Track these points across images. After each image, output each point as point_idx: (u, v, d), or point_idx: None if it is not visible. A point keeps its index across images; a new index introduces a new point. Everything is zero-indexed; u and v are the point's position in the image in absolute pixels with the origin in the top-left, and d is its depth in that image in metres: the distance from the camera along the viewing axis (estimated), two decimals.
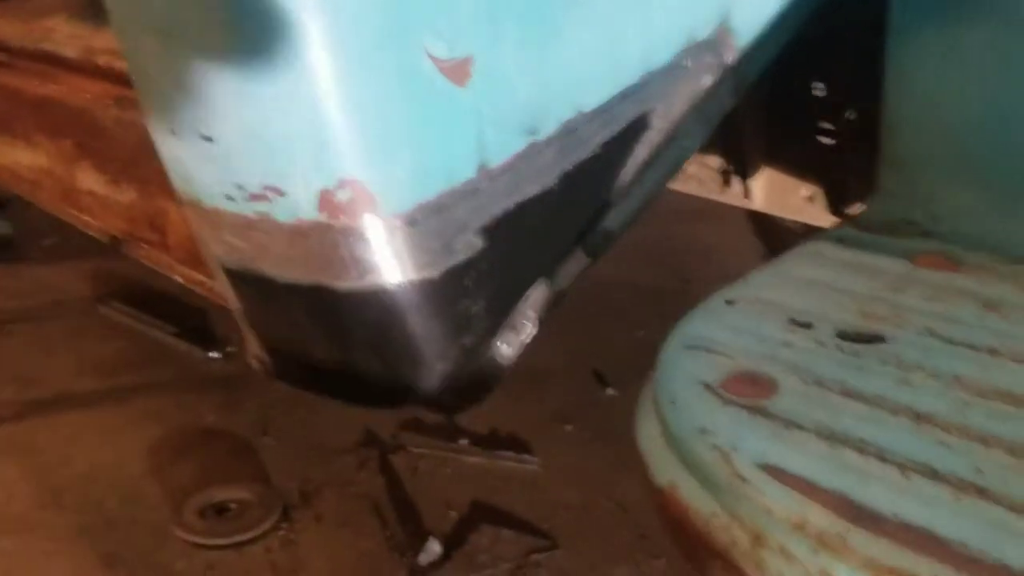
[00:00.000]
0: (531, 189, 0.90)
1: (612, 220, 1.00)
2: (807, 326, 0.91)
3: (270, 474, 2.10)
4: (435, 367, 0.87)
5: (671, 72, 0.99)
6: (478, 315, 0.89)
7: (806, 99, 1.37)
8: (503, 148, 0.86)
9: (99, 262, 3.00)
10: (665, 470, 0.80)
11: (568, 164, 0.92)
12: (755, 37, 1.06)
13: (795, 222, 1.62)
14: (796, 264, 1.04)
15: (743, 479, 0.72)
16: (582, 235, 0.98)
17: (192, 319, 2.72)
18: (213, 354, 2.56)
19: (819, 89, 1.37)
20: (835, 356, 0.86)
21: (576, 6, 0.88)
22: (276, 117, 0.75)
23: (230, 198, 0.82)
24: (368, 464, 2.13)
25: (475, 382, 0.93)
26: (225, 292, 0.93)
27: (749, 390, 0.82)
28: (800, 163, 1.45)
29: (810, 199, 1.46)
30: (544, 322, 0.96)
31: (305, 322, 0.87)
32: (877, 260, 1.03)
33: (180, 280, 1.33)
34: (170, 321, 2.70)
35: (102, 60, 1.60)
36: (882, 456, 0.72)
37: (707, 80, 1.02)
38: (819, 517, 0.67)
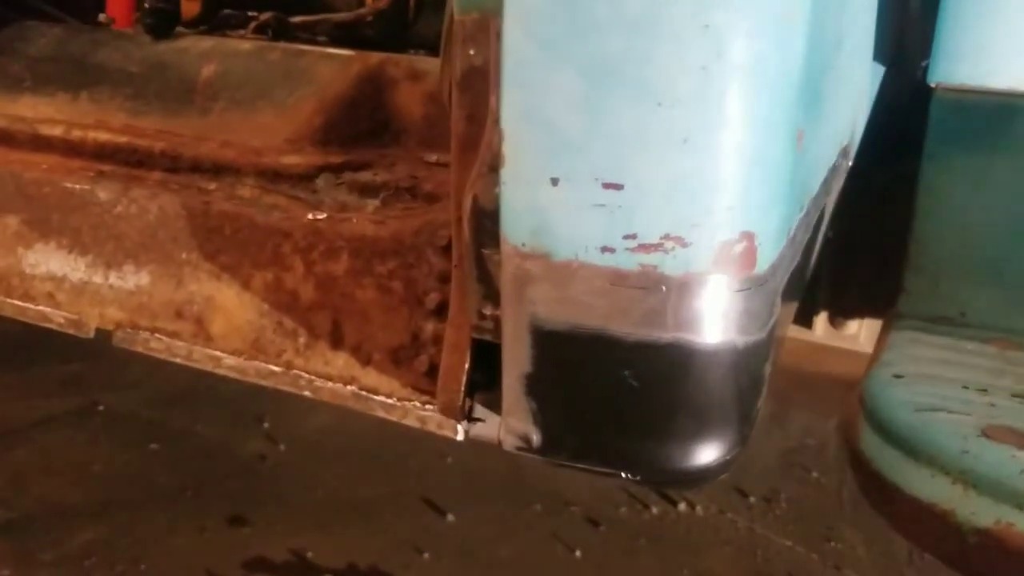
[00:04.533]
0: (795, 261, 0.95)
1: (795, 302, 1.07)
2: (985, 391, 1.04)
3: None
4: (745, 426, 0.87)
5: (834, 170, 1.10)
6: (767, 378, 0.91)
7: None
8: (792, 219, 0.91)
9: None
10: (987, 513, 0.86)
11: (803, 241, 0.99)
12: (857, 146, 1.21)
13: None
14: (910, 348, 1.17)
15: None
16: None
17: None
18: None
19: None
20: None
21: (819, 106, 0.97)
22: (709, 166, 0.74)
23: (607, 249, 0.77)
24: None
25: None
26: (513, 358, 0.85)
27: (1017, 439, 0.92)
28: None
29: None
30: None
31: (632, 384, 0.83)
32: (962, 343, 1.20)
33: (226, 373, 1.15)
34: None
35: (52, 131, 1.38)
36: None
37: (843, 179, 1.15)
38: None
